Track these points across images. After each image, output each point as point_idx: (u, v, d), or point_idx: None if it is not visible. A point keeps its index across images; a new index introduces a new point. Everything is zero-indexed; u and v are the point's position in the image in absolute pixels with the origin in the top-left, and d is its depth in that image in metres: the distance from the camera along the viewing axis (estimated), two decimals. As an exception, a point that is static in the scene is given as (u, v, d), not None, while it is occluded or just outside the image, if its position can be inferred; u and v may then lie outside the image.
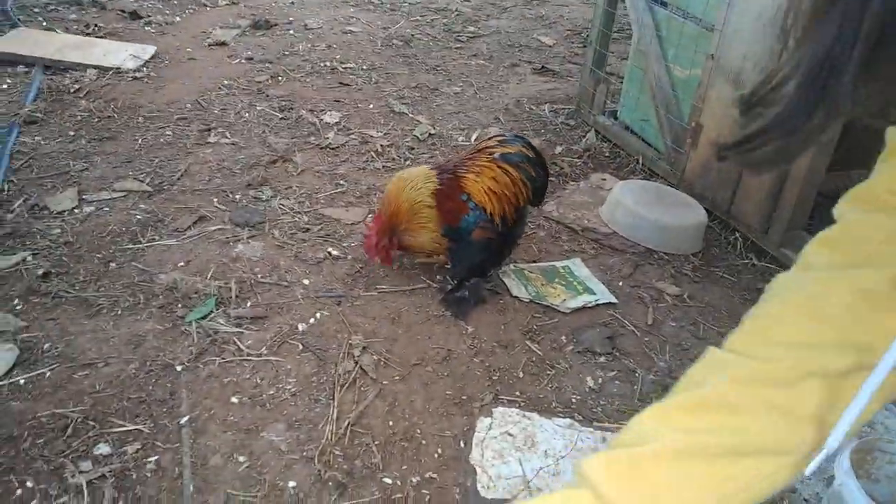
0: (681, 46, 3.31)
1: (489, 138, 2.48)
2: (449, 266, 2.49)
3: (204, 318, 2.20)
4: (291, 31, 5.10)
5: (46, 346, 2.06)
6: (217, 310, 2.24)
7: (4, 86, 3.72)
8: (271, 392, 1.96)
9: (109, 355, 2.04)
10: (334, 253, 2.60)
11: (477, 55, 5.01)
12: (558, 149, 3.61)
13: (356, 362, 2.08)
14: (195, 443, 1.78)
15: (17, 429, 1.80)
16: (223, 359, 2.06)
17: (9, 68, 3.90)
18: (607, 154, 3.63)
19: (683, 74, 3.31)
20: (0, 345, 2.02)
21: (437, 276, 2.52)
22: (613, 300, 2.44)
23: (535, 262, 2.66)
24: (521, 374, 2.09)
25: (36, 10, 4.86)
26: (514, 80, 4.62)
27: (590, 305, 2.40)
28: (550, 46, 5.37)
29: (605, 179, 3.28)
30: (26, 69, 3.92)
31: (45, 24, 4.61)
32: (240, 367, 2.04)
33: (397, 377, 2.05)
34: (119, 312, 2.20)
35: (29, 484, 1.66)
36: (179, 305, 2.25)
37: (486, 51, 5.12)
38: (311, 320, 2.25)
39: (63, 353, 2.04)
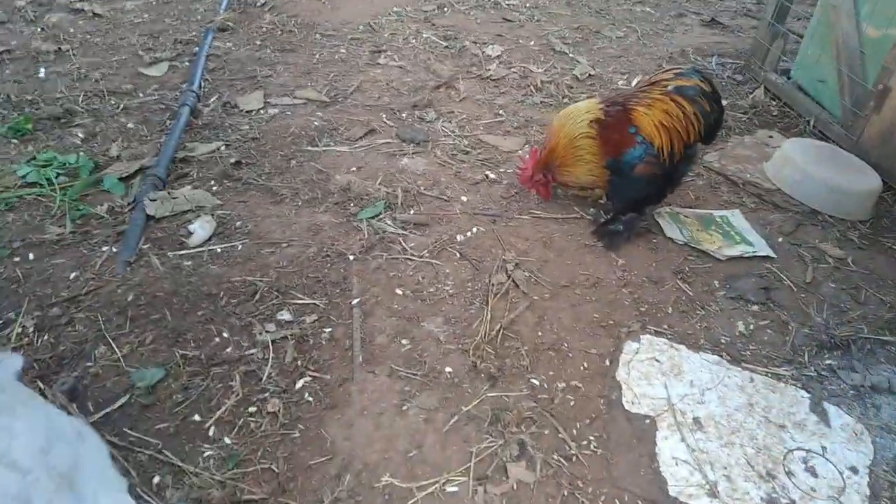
0: (879, 2, 3.06)
1: (665, 70, 2.44)
2: (606, 199, 2.52)
3: (373, 217, 2.38)
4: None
5: (238, 223, 2.32)
6: (385, 212, 2.41)
7: (203, -5, 4.06)
8: (431, 290, 2.11)
9: (291, 238, 2.27)
10: (491, 176, 2.70)
11: (643, 2, 4.86)
12: (723, 103, 3.48)
13: (509, 276, 2.19)
14: (364, 322, 1.97)
15: (215, 288, 2.06)
16: (389, 255, 2.23)
17: (205, -20, 4.25)
18: (775, 113, 3.46)
19: (876, 34, 3.07)
20: (203, 216, 2.30)
21: (591, 209, 2.56)
22: (772, 254, 2.39)
23: (691, 208, 2.63)
24: (669, 310, 2.12)
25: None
26: (680, 29, 4.45)
27: (746, 256, 2.36)
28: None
29: (771, 137, 3.15)
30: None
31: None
32: (403, 264, 2.21)
33: (547, 294, 2.14)
34: (300, 203, 2.43)
35: (225, 334, 1.92)
36: (352, 204, 2.44)
37: (653, -2, 4.95)
38: (469, 233, 2.37)
39: (252, 232, 2.29)
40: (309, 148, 2.76)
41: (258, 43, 3.56)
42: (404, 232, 2.34)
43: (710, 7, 4.89)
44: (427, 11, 4.22)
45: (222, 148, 2.70)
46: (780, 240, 2.50)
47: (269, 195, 2.47)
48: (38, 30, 3.44)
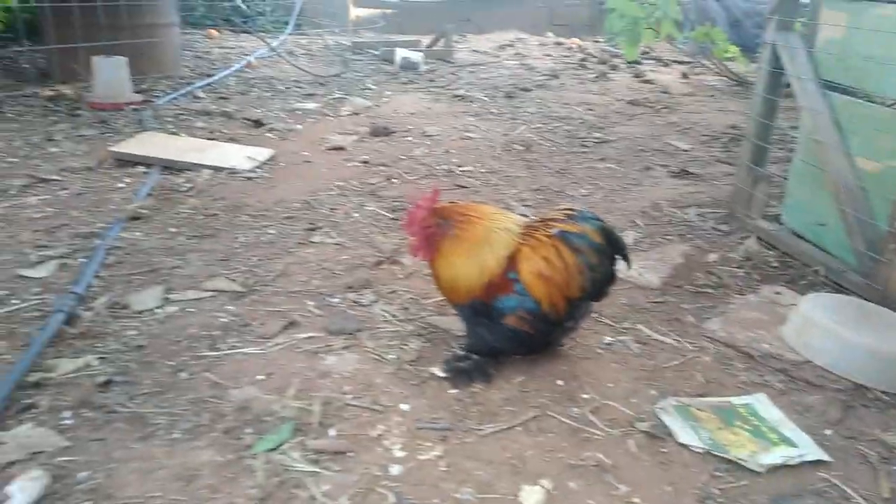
0: (868, 134, 2.71)
1: (558, 209, 2.14)
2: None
3: (274, 449, 1.73)
4: (410, 138, 4.94)
5: (83, 474, 1.65)
6: (293, 438, 1.77)
7: (122, 184, 3.68)
8: (347, 564, 1.42)
9: (153, 494, 1.59)
10: (440, 373, 2.09)
11: (605, 159, 4.59)
12: (712, 256, 3.01)
13: (465, 527, 1.51)
14: None
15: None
16: (289, 510, 1.56)
17: (129, 168, 3.90)
18: (774, 264, 2.98)
19: (876, 167, 2.68)
20: (27, 471, 1.63)
21: (572, 409, 1.94)
22: (825, 457, 1.75)
23: (701, 395, 2.02)
24: (703, 566, 1.43)
25: (168, 118, 5.01)
26: (648, 182, 4.12)
27: (792, 463, 1.72)
28: (687, 151, 4.88)
29: (779, 293, 2.62)
30: (146, 170, 3.90)
31: (173, 129, 4.70)
32: (309, 522, 1.53)
33: (522, 555, 1.45)
34: (176, 436, 1.78)
35: None
36: (248, 430, 1.80)
37: (615, 155, 4.69)
38: (409, 461, 1.72)
39: (99, 488, 1.61)
40: (207, 353, 2.16)
41: (173, 230, 3.10)
42: (316, 468, 1.68)
43: (676, 158, 4.64)
44: (373, 184, 3.86)
45: (93, 363, 2.09)
46: (829, 432, 1.87)
47: (136, 426, 1.82)
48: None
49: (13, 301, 2.48)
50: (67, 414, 1.87)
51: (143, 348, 2.19)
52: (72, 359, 2.11)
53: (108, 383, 1.99)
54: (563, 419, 1.90)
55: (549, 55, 9.12)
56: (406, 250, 2.99)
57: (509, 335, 2.01)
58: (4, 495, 1.57)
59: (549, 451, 1.78)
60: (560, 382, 2.07)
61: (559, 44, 10.11)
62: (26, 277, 2.65)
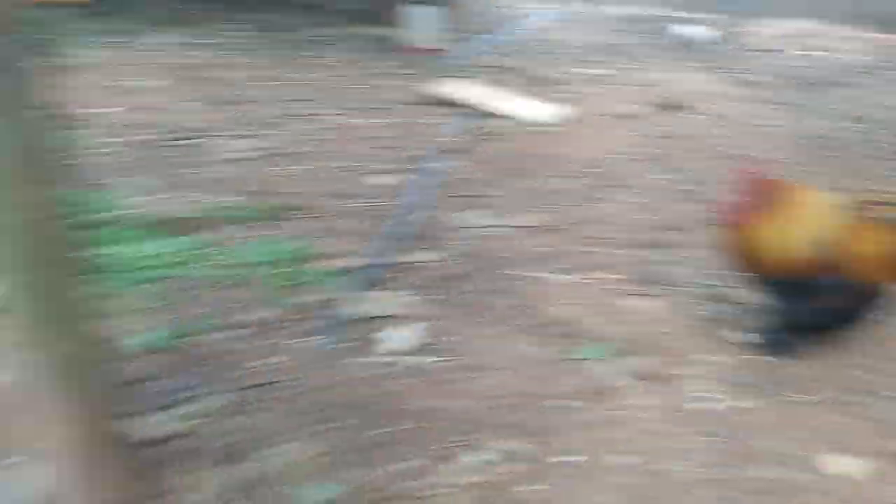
0: None
1: (879, 191, 2.09)
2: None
3: (590, 359, 1.98)
4: (696, 116, 4.87)
5: (439, 338, 2.06)
6: (606, 357, 2.00)
7: (431, 120, 4.16)
8: (656, 467, 1.62)
9: (492, 366, 1.95)
10: (735, 339, 2.18)
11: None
12: None
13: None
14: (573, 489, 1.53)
15: (401, 406, 1.78)
16: (606, 410, 1.80)
17: (437, 108, 4.37)
18: None
19: None
20: (402, 325, 2.08)
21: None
22: None
23: None
24: None
25: (466, 68, 5.47)
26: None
27: None
28: None
29: None
30: (452, 111, 4.36)
31: (472, 78, 5.14)
32: (621, 426, 1.76)
33: None
34: (506, 329, 2.12)
35: (403, 464, 1.58)
36: (566, 341, 2.08)
37: (933, 170, 4.22)
38: (717, 404, 1.86)
39: (451, 350, 2.01)
40: (522, 272, 2.48)
41: (485, 166, 3.49)
42: (629, 383, 1.90)
43: None
44: (665, 155, 3.90)
45: (434, 259, 2.52)
46: None
47: (474, 314, 2.20)
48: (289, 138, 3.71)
49: (363, 200, 3.02)
50: (420, 292, 2.30)
51: (469, 256, 2.57)
52: (418, 252, 2.55)
53: (447, 277, 2.40)
54: (871, 409, 1.90)
55: (851, 50, 8.22)
56: (705, 220, 3.06)
57: (822, 313, 2.02)
58: (384, 338, 2.02)
59: (861, 432, 1.80)
60: (862, 374, 2.05)
61: (865, 38, 9.04)
62: (368, 184, 3.19)
